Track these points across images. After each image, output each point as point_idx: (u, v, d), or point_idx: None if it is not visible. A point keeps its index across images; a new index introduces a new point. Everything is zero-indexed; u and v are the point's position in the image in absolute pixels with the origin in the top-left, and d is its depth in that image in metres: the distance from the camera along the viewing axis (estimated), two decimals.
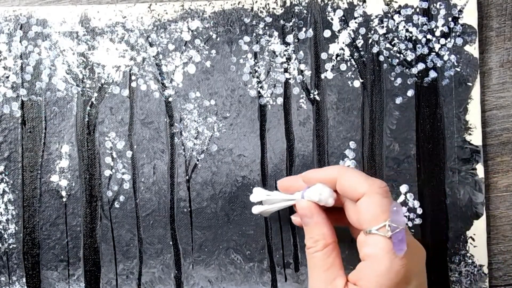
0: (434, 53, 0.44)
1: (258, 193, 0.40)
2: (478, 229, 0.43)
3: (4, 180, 0.43)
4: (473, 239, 0.44)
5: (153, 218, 0.44)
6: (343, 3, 0.44)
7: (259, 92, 0.44)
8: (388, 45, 0.44)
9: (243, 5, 0.44)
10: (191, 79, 0.44)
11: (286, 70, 0.44)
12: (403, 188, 0.44)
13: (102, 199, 0.44)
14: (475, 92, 0.43)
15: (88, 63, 0.44)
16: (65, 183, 0.44)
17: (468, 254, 0.44)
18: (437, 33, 0.44)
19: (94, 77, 0.44)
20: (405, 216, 0.34)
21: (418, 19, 0.43)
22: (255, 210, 0.40)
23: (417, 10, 0.44)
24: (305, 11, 0.44)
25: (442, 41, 0.43)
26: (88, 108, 0.44)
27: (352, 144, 0.44)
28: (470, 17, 0.43)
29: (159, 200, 0.44)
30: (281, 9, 0.44)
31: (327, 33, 0.44)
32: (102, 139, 0.44)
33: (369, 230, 0.32)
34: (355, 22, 0.44)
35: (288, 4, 0.44)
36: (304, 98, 0.44)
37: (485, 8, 0.44)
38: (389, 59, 0.44)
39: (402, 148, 0.44)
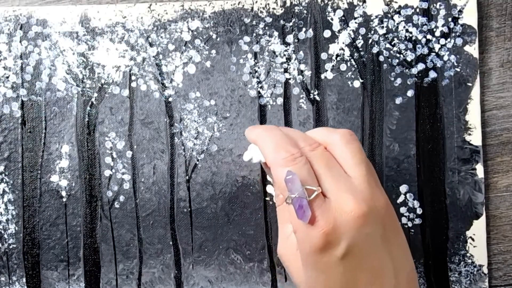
0: (434, 53, 0.44)
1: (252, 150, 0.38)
2: (478, 229, 0.44)
3: (4, 180, 0.43)
4: (473, 239, 0.44)
5: (153, 218, 0.44)
6: (343, 3, 0.44)
7: (259, 92, 0.44)
8: (388, 45, 0.44)
9: (243, 5, 0.44)
10: (191, 79, 0.44)
11: (286, 70, 0.44)
12: (403, 188, 0.44)
13: (102, 199, 0.44)
14: (475, 92, 0.43)
15: (88, 63, 0.44)
16: (65, 183, 0.44)
17: (468, 254, 0.44)
18: (437, 33, 0.44)
19: (94, 77, 0.44)
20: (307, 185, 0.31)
21: (418, 19, 0.43)
22: (245, 156, 0.38)
23: (417, 10, 0.44)
24: (305, 11, 0.44)
25: (442, 41, 0.44)
26: (88, 108, 0.44)
27: None
28: (470, 17, 0.43)
29: (159, 200, 0.44)
30: (281, 9, 0.44)
31: (327, 33, 0.44)
32: (102, 139, 0.44)
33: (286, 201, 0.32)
34: (355, 22, 0.44)
35: (288, 4, 0.44)
36: (304, 98, 0.44)
37: (485, 8, 0.44)
38: (389, 59, 0.44)
39: (402, 148, 0.44)
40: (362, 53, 0.44)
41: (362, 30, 0.44)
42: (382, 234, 0.31)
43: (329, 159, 0.33)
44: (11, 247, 0.44)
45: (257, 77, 0.44)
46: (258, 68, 0.44)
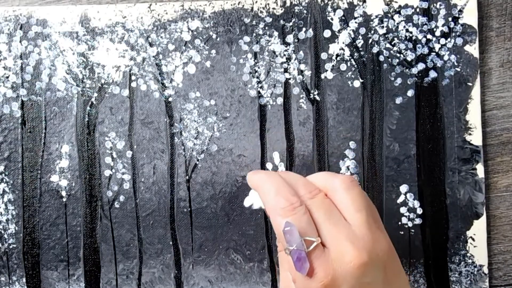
0: (434, 53, 0.44)
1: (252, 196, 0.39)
2: (478, 229, 0.43)
3: (4, 180, 0.43)
4: (473, 239, 0.44)
5: (153, 218, 0.44)
6: (343, 3, 0.44)
7: (259, 92, 0.44)
8: (388, 45, 0.44)
9: (243, 5, 0.44)
10: (191, 79, 0.44)
11: (286, 70, 0.44)
12: (403, 188, 0.44)
13: (102, 199, 0.44)
14: (475, 92, 0.43)
15: (88, 63, 0.44)
16: (65, 183, 0.44)
17: (468, 254, 0.44)
18: (437, 33, 0.44)
19: (94, 77, 0.44)
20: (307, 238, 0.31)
21: (418, 19, 0.43)
22: (246, 202, 0.38)
23: (417, 10, 0.44)
24: (305, 11, 0.44)
25: (442, 41, 0.43)
26: (88, 108, 0.44)
27: (352, 144, 0.44)
28: (470, 17, 0.43)
29: (159, 200, 0.44)
30: (281, 9, 0.44)
31: (327, 33, 0.44)
32: (102, 139, 0.44)
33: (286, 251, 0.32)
34: (355, 22, 0.44)
35: (288, 4, 0.44)
36: (304, 98, 0.44)
37: (485, 8, 0.44)
38: (389, 59, 0.44)
39: (402, 148, 0.44)
40: (362, 53, 0.44)
41: (362, 30, 0.44)
42: (383, 279, 0.31)
43: (328, 207, 0.32)
44: (11, 247, 0.44)
45: (257, 77, 0.44)
46: (258, 68, 0.44)
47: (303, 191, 0.33)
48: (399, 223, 0.44)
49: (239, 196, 0.44)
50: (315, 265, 0.30)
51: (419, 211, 0.44)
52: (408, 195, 0.44)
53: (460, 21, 0.43)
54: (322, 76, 0.44)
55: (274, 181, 0.33)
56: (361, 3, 0.44)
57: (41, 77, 0.43)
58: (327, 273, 0.30)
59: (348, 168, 0.44)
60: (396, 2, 0.44)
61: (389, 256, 0.32)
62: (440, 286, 0.44)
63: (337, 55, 0.44)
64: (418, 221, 0.44)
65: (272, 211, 0.32)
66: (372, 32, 0.44)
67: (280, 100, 0.44)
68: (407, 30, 0.44)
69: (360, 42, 0.44)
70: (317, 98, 0.44)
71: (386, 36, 0.44)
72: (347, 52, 0.44)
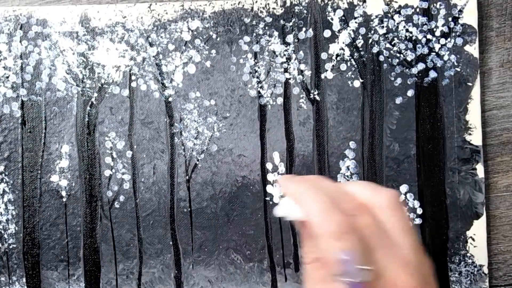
0: (434, 53, 0.44)
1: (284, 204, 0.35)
2: (478, 229, 0.43)
3: (4, 180, 0.43)
4: (473, 239, 0.44)
5: (153, 218, 0.44)
6: (343, 3, 0.44)
7: (259, 92, 0.44)
8: (388, 45, 0.44)
9: (243, 5, 0.44)
10: (191, 79, 0.44)
11: (286, 70, 0.44)
12: (403, 188, 0.44)
13: (102, 199, 0.44)
14: (475, 92, 0.43)
15: (88, 63, 0.44)
16: (65, 183, 0.44)
17: (468, 254, 0.44)
18: (437, 33, 0.44)
19: (94, 77, 0.44)
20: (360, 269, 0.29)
21: (418, 19, 0.43)
22: (278, 212, 0.35)
23: (417, 10, 0.44)
24: (305, 11, 0.44)
25: (442, 41, 0.43)
26: (88, 108, 0.44)
27: (352, 144, 0.44)
28: (470, 17, 0.43)
29: (159, 200, 0.44)
30: (281, 9, 0.44)
31: (327, 33, 0.44)
32: (102, 139, 0.44)
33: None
34: (355, 22, 0.44)
35: (288, 4, 0.44)
36: (304, 98, 0.44)
37: (485, 8, 0.44)
38: (389, 59, 0.44)
39: (402, 148, 0.44)
40: (362, 53, 0.44)
41: (362, 30, 0.44)
42: None
43: (377, 229, 0.30)
44: (11, 247, 0.44)
45: (257, 77, 0.44)
46: (258, 68, 0.44)
47: (346, 205, 0.31)
48: None
49: (239, 196, 0.44)
50: None
51: (419, 211, 0.44)
52: (408, 195, 0.44)
53: (460, 21, 0.43)
54: (322, 76, 0.44)
55: (316, 194, 0.31)
56: (361, 3, 0.44)
57: (41, 77, 0.43)
58: None
59: (348, 168, 0.44)
60: (396, 2, 0.44)
61: (432, 278, 0.31)
62: (440, 286, 0.44)
63: (337, 55, 0.44)
64: (418, 221, 0.44)
65: (322, 233, 0.30)
66: (372, 32, 0.44)
67: (280, 100, 0.44)
68: (407, 30, 0.44)
69: (360, 42, 0.44)
70: (317, 98, 0.44)
71: (386, 36, 0.44)
72: (347, 52, 0.44)
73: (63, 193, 0.44)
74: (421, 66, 0.44)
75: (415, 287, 0.29)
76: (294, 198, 0.33)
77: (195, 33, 0.44)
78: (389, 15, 0.44)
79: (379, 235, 0.31)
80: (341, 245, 0.29)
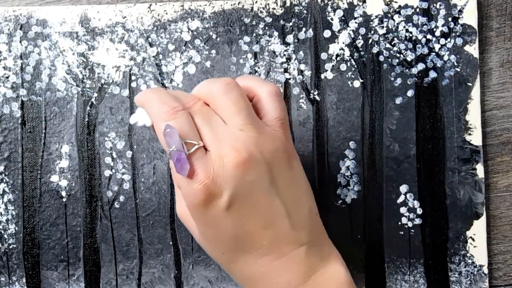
0: (434, 53, 0.44)
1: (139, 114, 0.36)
2: (478, 229, 0.43)
3: (4, 180, 0.43)
4: (473, 239, 0.44)
5: (153, 218, 0.44)
6: (343, 3, 0.44)
7: None
8: (388, 45, 0.44)
9: (243, 5, 0.44)
10: (191, 79, 0.44)
11: (286, 70, 0.44)
12: (403, 188, 0.44)
13: (102, 199, 0.44)
14: (475, 92, 0.43)
15: (88, 63, 0.44)
16: (65, 183, 0.44)
17: (468, 254, 0.44)
18: (437, 33, 0.44)
19: (94, 77, 0.44)
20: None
21: (418, 19, 0.43)
22: (131, 119, 0.36)
23: (417, 10, 0.44)
24: (305, 11, 0.44)
25: (442, 41, 0.44)
26: (88, 108, 0.44)
27: (352, 144, 0.44)
28: (470, 17, 0.43)
29: (159, 200, 0.44)
30: (281, 9, 0.44)
31: (327, 33, 0.44)
32: (102, 139, 0.44)
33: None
34: (355, 22, 0.44)
35: (288, 4, 0.44)
36: (304, 98, 0.44)
37: (485, 8, 0.44)
38: (389, 59, 0.44)
39: (402, 148, 0.44)
40: (362, 53, 0.44)
41: (362, 30, 0.44)
42: (270, 179, 0.31)
43: (207, 112, 0.32)
44: (11, 247, 0.44)
45: None
46: (258, 68, 0.44)
47: (184, 100, 0.32)
48: (399, 223, 0.44)
49: None
50: (195, 167, 0.30)
51: (419, 211, 0.44)
52: (408, 195, 0.44)
53: (460, 21, 0.43)
54: (322, 76, 0.44)
55: (158, 92, 0.33)
56: (361, 3, 0.44)
57: (41, 77, 0.43)
58: (207, 174, 0.30)
59: (348, 168, 0.44)
60: (396, 2, 0.44)
61: (278, 157, 0.32)
62: (440, 286, 0.44)
63: (337, 55, 0.44)
64: (418, 221, 0.44)
65: (156, 118, 0.32)
66: (372, 32, 0.44)
67: None
68: (407, 30, 0.44)
69: (360, 42, 0.44)
70: (317, 98, 0.44)
71: (386, 36, 0.44)
72: (347, 52, 0.44)
73: (63, 193, 0.44)
74: (421, 66, 0.44)
75: (245, 159, 0.30)
76: (142, 102, 0.34)
77: (195, 33, 0.44)
78: (389, 15, 0.44)
79: (209, 117, 0.32)
80: (166, 125, 0.30)
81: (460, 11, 0.43)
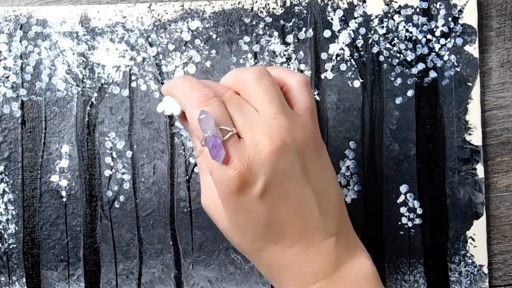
0: (434, 53, 0.44)
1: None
2: (478, 229, 0.43)
3: (4, 180, 0.43)
4: (473, 239, 0.44)
5: (153, 218, 0.44)
6: (343, 3, 0.44)
7: None
8: (388, 45, 0.44)
9: (243, 5, 0.44)
10: None
11: None
12: (403, 188, 0.44)
13: (102, 199, 0.44)
14: (475, 92, 0.43)
15: (88, 63, 0.44)
16: (65, 183, 0.44)
17: (468, 254, 0.44)
18: (437, 33, 0.44)
19: (94, 77, 0.44)
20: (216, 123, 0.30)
21: (418, 19, 0.43)
22: (158, 108, 0.36)
23: (417, 10, 0.44)
24: (305, 11, 0.44)
25: (442, 41, 0.44)
26: (88, 108, 0.44)
27: (352, 144, 0.44)
28: (470, 17, 0.43)
29: (159, 200, 0.44)
30: (281, 9, 0.44)
31: (327, 33, 0.44)
32: (102, 139, 0.44)
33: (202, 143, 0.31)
34: (355, 22, 0.44)
35: (288, 4, 0.44)
36: None
37: (485, 8, 0.44)
38: (389, 59, 0.44)
39: (402, 148, 0.44)
40: (362, 53, 0.44)
41: (362, 30, 0.44)
42: (301, 167, 0.31)
43: (238, 100, 0.32)
44: (11, 247, 0.44)
45: None
46: None
47: (215, 88, 0.32)
48: (399, 223, 0.44)
49: None
50: (231, 153, 0.30)
51: (419, 211, 0.44)
52: (408, 195, 0.44)
53: (460, 21, 0.43)
54: (322, 76, 0.44)
55: (188, 79, 0.33)
56: (361, 3, 0.44)
57: (41, 77, 0.43)
58: (242, 160, 0.30)
59: (348, 168, 0.44)
60: (396, 2, 0.44)
61: (309, 145, 0.32)
62: (440, 286, 0.44)
63: (337, 55, 0.44)
64: (418, 221, 0.44)
65: (187, 105, 0.32)
66: (372, 32, 0.44)
67: None
68: (407, 30, 0.44)
69: (360, 42, 0.44)
70: (317, 98, 0.44)
71: (386, 36, 0.44)
72: (347, 52, 0.44)
73: (63, 193, 0.44)
74: (421, 66, 0.44)
75: (278, 146, 0.30)
76: (170, 89, 0.34)
77: (195, 33, 0.44)
78: (389, 15, 0.44)
79: (241, 106, 0.32)
80: (201, 111, 0.30)
81: (460, 11, 0.43)
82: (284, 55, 0.44)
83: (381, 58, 0.44)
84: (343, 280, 0.32)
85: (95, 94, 0.44)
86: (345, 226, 0.34)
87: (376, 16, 0.44)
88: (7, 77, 0.43)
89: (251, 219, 0.31)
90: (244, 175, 0.30)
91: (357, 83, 0.44)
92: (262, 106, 0.32)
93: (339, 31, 0.44)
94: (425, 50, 0.44)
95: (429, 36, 0.44)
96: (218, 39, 0.44)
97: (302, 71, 0.44)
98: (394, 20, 0.44)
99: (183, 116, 0.33)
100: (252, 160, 0.30)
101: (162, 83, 0.44)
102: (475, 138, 0.43)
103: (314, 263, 0.32)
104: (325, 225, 0.32)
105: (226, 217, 0.33)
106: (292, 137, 0.31)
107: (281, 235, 0.32)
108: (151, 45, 0.44)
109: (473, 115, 0.43)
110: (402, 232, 0.44)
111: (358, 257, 0.33)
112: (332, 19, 0.44)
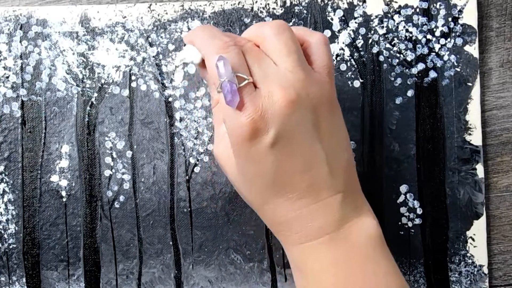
0: (434, 53, 0.44)
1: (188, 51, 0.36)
2: (478, 229, 0.44)
3: (4, 180, 0.44)
4: (473, 239, 0.44)
5: (153, 218, 0.44)
6: (343, 3, 0.44)
7: None
8: (388, 45, 0.44)
9: (243, 5, 0.44)
10: (191, 79, 0.44)
11: None
12: (403, 188, 0.44)
13: (102, 199, 0.44)
14: (475, 92, 0.43)
15: (88, 63, 0.44)
16: (65, 183, 0.44)
17: (468, 254, 0.44)
18: (437, 33, 0.44)
19: (94, 77, 0.44)
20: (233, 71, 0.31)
21: (418, 19, 0.43)
22: (177, 58, 0.36)
23: (417, 10, 0.44)
24: (305, 11, 0.44)
25: (442, 41, 0.44)
26: (88, 108, 0.44)
27: (352, 144, 0.44)
28: (470, 17, 0.43)
29: (159, 200, 0.44)
30: (281, 9, 0.44)
31: (327, 33, 0.44)
32: (102, 139, 0.44)
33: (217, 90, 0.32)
34: (355, 22, 0.44)
35: (288, 4, 0.44)
36: None
37: (485, 8, 0.44)
38: (389, 59, 0.44)
39: (402, 148, 0.44)
40: (362, 53, 0.44)
41: (362, 30, 0.44)
42: (314, 123, 0.32)
43: (258, 52, 0.32)
44: (11, 247, 0.44)
45: None
46: None
47: (235, 39, 0.33)
48: (399, 223, 0.44)
49: (239, 196, 0.44)
50: (245, 100, 0.30)
51: (419, 211, 0.44)
52: (408, 195, 0.44)
53: (460, 21, 0.43)
54: None
55: (209, 28, 0.33)
56: (361, 3, 0.44)
57: (41, 77, 0.43)
58: (256, 108, 0.30)
59: None
60: (396, 2, 0.44)
61: (323, 102, 0.32)
62: (440, 286, 0.44)
63: (337, 55, 0.44)
64: (418, 221, 0.44)
65: (207, 51, 0.32)
66: (372, 32, 0.44)
67: None
68: (407, 30, 0.44)
69: (360, 42, 0.44)
70: None
71: (386, 36, 0.44)
72: (347, 52, 0.44)
73: (63, 193, 0.44)
74: (421, 66, 0.44)
75: (293, 99, 0.31)
76: (191, 38, 0.34)
77: None
78: (389, 15, 0.44)
79: (260, 57, 0.32)
80: (219, 56, 0.30)
81: (460, 11, 0.43)
82: None
83: (381, 58, 0.44)
84: (346, 237, 0.32)
85: (95, 94, 0.44)
86: (354, 187, 0.34)
87: (376, 16, 0.44)
88: (7, 77, 0.43)
89: (260, 169, 0.32)
90: (256, 123, 0.30)
91: (357, 83, 0.44)
92: (280, 59, 0.32)
93: (339, 31, 0.44)
94: (425, 50, 0.44)
95: (429, 36, 0.44)
96: None
97: None
98: (394, 20, 0.44)
99: (202, 65, 0.34)
100: (266, 109, 0.30)
101: (162, 83, 0.44)
102: (475, 138, 0.43)
103: (319, 218, 0.32)
104: (333, 182, 0.32)
105: (236, 167, 0.33)
106: (307, 91, 0.31)
107: (289, 188, 0.32)
108: (151, 45, 0.44)
109: (473, 115, 0.43)
110: (402, 232, 0.44)
111: (363, 217, 0.33)
112: (332, 19, 0.44)
